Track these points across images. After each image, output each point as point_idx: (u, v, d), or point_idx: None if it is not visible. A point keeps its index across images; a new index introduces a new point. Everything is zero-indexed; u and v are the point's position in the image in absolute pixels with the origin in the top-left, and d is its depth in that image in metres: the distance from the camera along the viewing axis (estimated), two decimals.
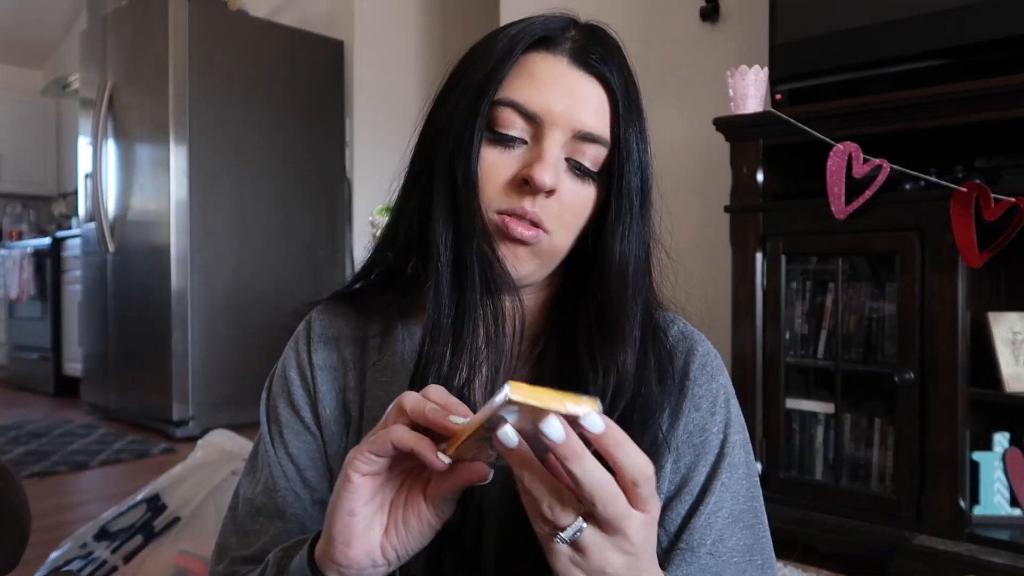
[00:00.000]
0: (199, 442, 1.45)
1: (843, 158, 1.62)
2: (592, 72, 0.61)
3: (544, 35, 0.61)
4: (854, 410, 1.72)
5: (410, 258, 0.64)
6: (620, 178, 0.62)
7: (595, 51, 0.61)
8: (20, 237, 5.18)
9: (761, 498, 0.66)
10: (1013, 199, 1.44)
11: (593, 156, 0.61)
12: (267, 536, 0.67)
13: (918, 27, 1.62)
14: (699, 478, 0.63)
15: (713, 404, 0.65)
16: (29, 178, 5.50)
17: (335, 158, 3.60)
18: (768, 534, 0.65)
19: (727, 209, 1.85)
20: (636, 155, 0.62)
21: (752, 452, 0.67)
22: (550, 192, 0.59)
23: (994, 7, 1.53)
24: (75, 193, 4.76)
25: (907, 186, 1.60)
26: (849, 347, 1.71)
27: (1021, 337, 1.56)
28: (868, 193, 1.61)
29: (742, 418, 0.67)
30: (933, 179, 1.56)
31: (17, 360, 4.80)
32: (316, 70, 3.53)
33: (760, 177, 1.80)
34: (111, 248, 3.37)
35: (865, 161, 1.61)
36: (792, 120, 1.70)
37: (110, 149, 3.39)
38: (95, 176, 3.39)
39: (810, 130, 1.68)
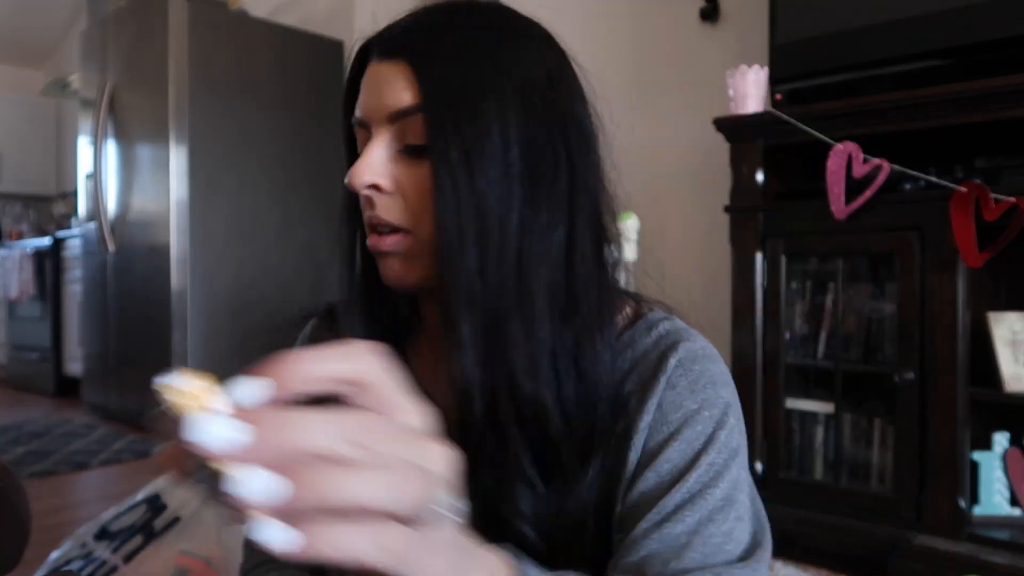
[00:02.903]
0: None
1: (843, 158, 1.63)
2: (391, 54, 0.57)
3: (364, 48, 0.62)
4: (854, 410, 1.72)
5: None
6: (436, 149, 0.54)
7: (399, 34, 0.58)
8: (20, 237, 5.18)
9: (752, 493, 0.59)
10: (1013, 199, 1.44)
11: (416, 131, 0.56)
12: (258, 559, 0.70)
13: (918, 27, 1.62)
14: (673, 456, 0.56)
15: (695, 384, 0.58)
16: (29, 178, 5.50)
17: (335, 158, 3.58)
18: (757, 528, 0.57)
19: (727, 209, 1.85)
20: (449, 121, 0.54)
21: (739, 438, 0.59)
22: (376, 188, 0.58)
23: (994, 7, 1.53)
24: (75, 193, 4.76)
25: (907, 186, 1.60)
26: (849, 347, 1.71)
27: (1021, 337, 1.56)
28: (868, 193, 1.61)
29: (738, 409, 0.61)
30: (933, 179, 1.56)
31: (17, 360, 4.80)
32: (316, 70, 3.53)
33: (760, 177, 1.80)
34: (111, 248, 3.37)
35: (865, 161, 1.61)
36: (792, 120, 1.70)
37: (110, 149, 3.39)
38: (95, 176, 3.39)
39: (810, 130, 1.68)
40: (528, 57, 0.57)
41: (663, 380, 0.58)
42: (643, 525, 0.54)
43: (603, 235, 0.60)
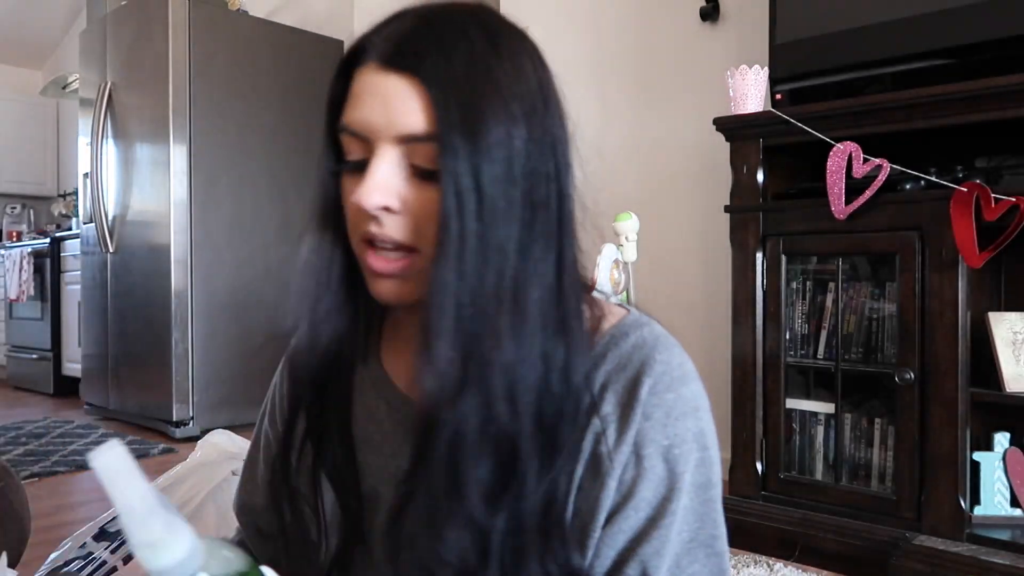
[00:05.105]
0: (199, 442, 1.45)
1: (843, 158, 1.63)
2: (403, 69, 0.55)
3: (359, 48, 0.58)
4: (854, 410, 1.72)
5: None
6: (446, 177, 0.54)
7: (407, 45, 0.55)
8: (20, 237, 5.18)
9: (723, 525, 0.61)
10: (1013, 199, 1.44)
11: (426, 155, 0.56)
12: None
13: (918, 27, 1.62)
14: (647, 495, 0.58)
15: (667, 416, 0.59)
16: (29, 178, 5.49)
17: None
18: (722, 563, 0.61)
19: (727, 209, 1.85)
20: (461, 149, 0.54)
21: (719, 471, 0.62)
22: (386, 209, 0.56)
23: (994, 7, 1.53)
24: (75, 193, 4.76)
25: (907, 186, 1.60)
26: (849, 347, 1.70)
27: (1021, 337, 1.56)
28: (868, 193, 1.61)
29: (710, 434, 0.61)
30: (933, 179, 1.56)
31: (17, 360, 4.80)
32: (316, 70, 3.53)
33: (760, 177, 1.80)
34: (111, 248, 3.37)
35: (865, 161, 1.61)
36: (792, 120, 1.70)
37: (109, 149, 3.39)
38: (94, 176, 3.39)
39: (810, 130, 1.68)
40: (525, 75, 0.57)
41: (639, 411, 0.58)
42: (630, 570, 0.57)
43: (578, 251, 0.61)
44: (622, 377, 0.59)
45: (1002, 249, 1.47)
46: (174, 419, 3.08)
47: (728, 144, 1.85)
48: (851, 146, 1.61)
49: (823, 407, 1.75)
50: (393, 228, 0.56)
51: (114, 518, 1.33)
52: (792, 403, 1.78)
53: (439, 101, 0.54)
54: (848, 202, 1.62)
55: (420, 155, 0.55)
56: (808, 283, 1.79)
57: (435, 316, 0.54)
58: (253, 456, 0.78)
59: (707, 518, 0.60)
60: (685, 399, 0.59)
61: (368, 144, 0.57)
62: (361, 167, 0.57)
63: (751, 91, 1.80)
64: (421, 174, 0.56)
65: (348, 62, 0.59)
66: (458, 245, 0.53)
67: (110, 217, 3.38)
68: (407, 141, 0.55)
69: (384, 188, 0.55)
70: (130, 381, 3.37)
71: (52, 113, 5.60)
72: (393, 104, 0.55)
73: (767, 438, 1.78)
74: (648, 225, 2.21)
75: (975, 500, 1.55)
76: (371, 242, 0.57)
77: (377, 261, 0.57)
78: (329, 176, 0.60)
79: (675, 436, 0.58)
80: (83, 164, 3.62)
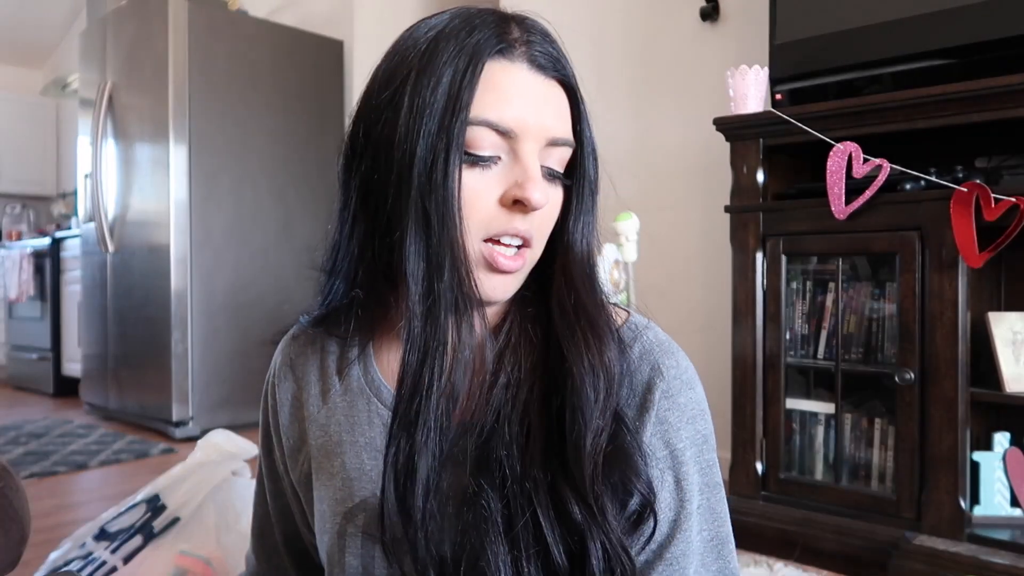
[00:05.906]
0: (199, 442, 1.45)
1: (843, 158, 1.63)
2: (550, 75, 0.60)
3: (500, 45, 0.57)
4: (854, 410, 1.72)
5: (356, 286, 0.63)
6: (584, 173, 0.62)
7: (547, 51, 0.60)
8: (20, 237, 5.18)
9: (728, 521, 0.64)
10: (1013, 199, 1.44)
11: (560, 159, 0.60)
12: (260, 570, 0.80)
13: (918, 27, 1.62)
14: (666, 496, 0.59)
15: (679, 419, 0.60)
16: (29, 178, 5.49)
17: (335, 158, 3.59)
18: (735, 557, 0.63)
19: (727, 209, 1.85)
20: (592, 146, 0.63)
21: (719, 470, 0.64)
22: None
23: (994, 7, 1.53)
24: (75, 193, 4.76)
25: (907, 186, 1.60)
26: (849, 347, 1.71)
27: (1021, 337, 1.56)
28: (868, 193, 1.61)
29: (713, 435, 0.64)
30: (933, 179, 1.56)
31: (17, 360, 4.80)
32: (316, 70, 3.53)
33: (760, 177, 1.80)
34: (111, 248, 3.37)
35: (865, 161, 1.61)
36: (792, 120, 1.70)
37: (109, 149, 3.39)
38: (94, 176, 3.39)
39: (810, 130, 1.68)
40: None
41: (653, 414, 0.60)
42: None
43: None
44: (637, 380, 0.61)
45: (1002, 249, 1.47)
46: (174, 419, 3.08)
47: (728, 144, 1.85)
48: (851, 146, 1.61)
49: (823, 407, 1.75)
50: (534, 225, 0.59)
51: (114, 518, 1.33)
52: (792, 403, 1.78)
53: (582, 112, 0.61)
54: (848, 202, 1.62)
55: (550, 158, 0.60)
56: (808, 283, 1.79)
57: (578, 312, 0.60)
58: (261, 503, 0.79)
59: (721, 516, 0.62)
60: (695, 402, 0.62)
61: (509, 140, 0.57)
62: (484, 161, 0.57)
63: (751, 91, 1.80)
64: (548, 176, 0.60)
65: (479, 54, 0.56)
66: (585, 236, 0.62)
67: (110, 217, 3.38)
68: (553, 144, 0.59)
69: (544, 185, 0.58)
70: (130, 381, 3.37)
71: (52, 113, 5.60)
72: (549, 108, 0.58)
73: (767, 438, 1.78)
74: (648, 225, 2.21)
75: (975, 500, 1.55)
76: (496, 241, 0.58)
77: (508, 260, 0.58)
78: (454, 168, 0.55)
79: (687, 439, 0.60)
80: (83, 164, 3.62)
